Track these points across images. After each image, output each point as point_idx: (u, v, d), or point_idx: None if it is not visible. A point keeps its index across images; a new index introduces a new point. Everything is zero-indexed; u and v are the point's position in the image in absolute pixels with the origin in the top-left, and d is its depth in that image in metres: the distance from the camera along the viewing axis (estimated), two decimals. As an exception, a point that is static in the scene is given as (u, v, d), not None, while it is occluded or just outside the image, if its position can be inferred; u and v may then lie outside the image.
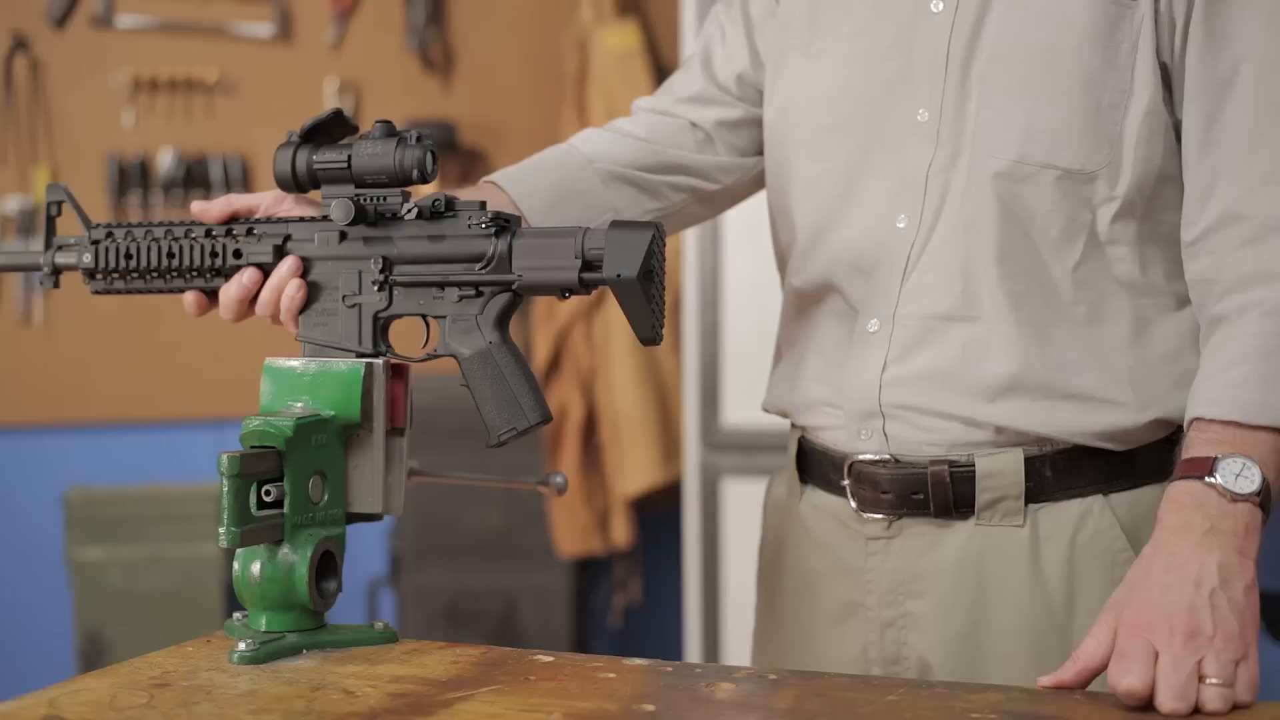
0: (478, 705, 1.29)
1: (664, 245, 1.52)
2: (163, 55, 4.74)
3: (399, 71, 4.85)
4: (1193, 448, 1.48)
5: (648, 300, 1.49)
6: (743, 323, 3.86)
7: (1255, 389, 1.47)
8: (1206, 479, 1.43)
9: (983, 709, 1.27)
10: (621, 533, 4.55)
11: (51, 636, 4.64)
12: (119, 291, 1.64)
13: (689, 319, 3.94)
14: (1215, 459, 1.43)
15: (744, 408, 3.88)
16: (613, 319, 4.48)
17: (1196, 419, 1.49)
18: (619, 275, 1.48)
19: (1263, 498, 1.43)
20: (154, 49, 4.74)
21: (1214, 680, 1.32)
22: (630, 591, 4.76)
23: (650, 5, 4.80)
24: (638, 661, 1.44)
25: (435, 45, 4.87)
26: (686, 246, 3.87)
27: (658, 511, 4.63)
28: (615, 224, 1.50)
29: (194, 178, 4.72)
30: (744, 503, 3.91)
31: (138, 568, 4.45)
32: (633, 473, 4.48)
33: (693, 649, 3.97)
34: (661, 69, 4.66)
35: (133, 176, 4.68)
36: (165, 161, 4.70)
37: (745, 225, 3.68)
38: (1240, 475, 1.42)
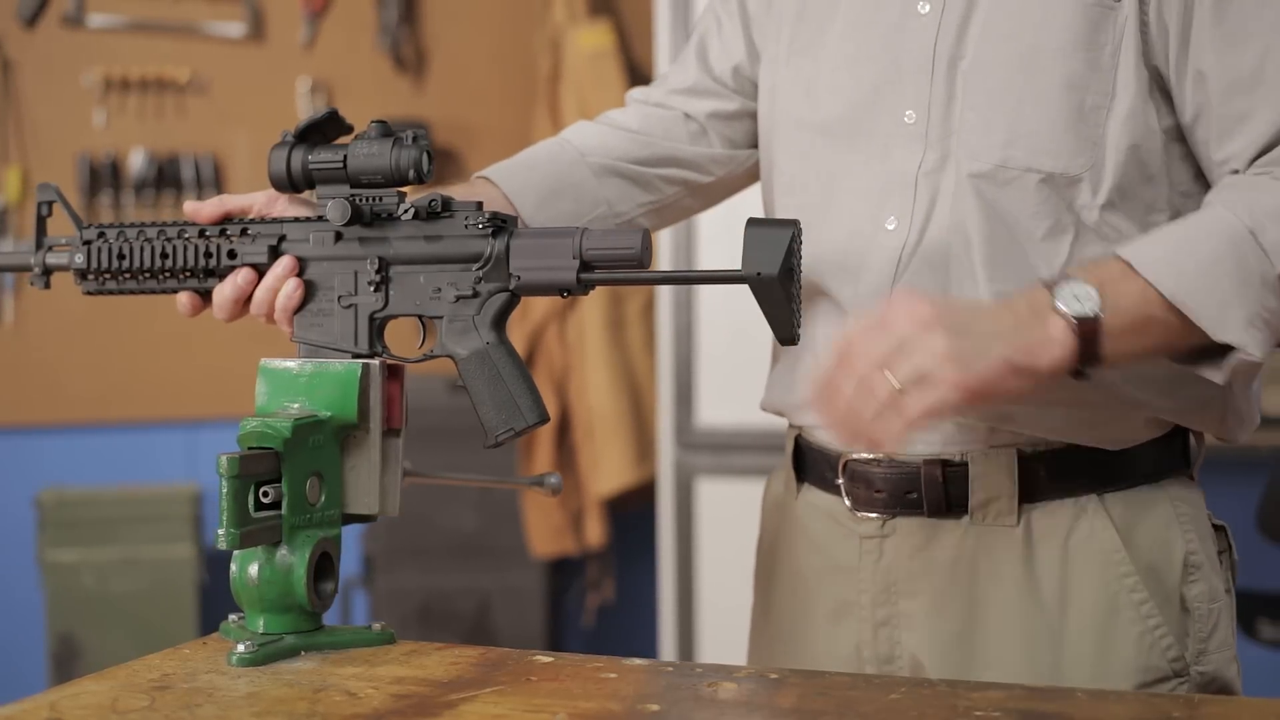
0: (482, 706, 1.29)
1: (801, 242, 1.49)
2: (134, 55, 4.72)
3: (371, 71, 4.85)
4: (1078, 268, 1.49)
5: (788, 299, 1.47)
6: (717, 323, 3.86)
7: (1167, 248, 1.48)
8: (1052, 288, 1.44)
9: (985, 707, 1.27)
10: (595, 533, 4.56)
11: (24, 638, 4.62)
12: (111, 292, 1.63)
13: (663, 319, 3.94)
14: (1071, 276, 1.45)
15: (718, 407, 3.89)
16: (586, 319, 4.47)
17: (1115, 254, 1.50)
18: (759, 274, 1.45)
19: (1083, 330, 1.43)
20: (125, 48, 4.72)
21: (894, 379, 1.39)
22: (603, 592, 4.76)
23: (623, 5, 4.80)
24: (638, 661, 1.44)
25: (407, 45, 4.86)
26: (661, 246, 3.87)
27: (631, 511, 4.64)
28: (753, 220, 1.48)
29: (165, 178, 4.70)
30: (719, 503, 3.91)
31: (110, 569, 4.43)
32: (607, 473, 4.48)
33: (667, 649, 3.97)
34: (634, 69, 4.66)
35: (104, 177, 4.66)
36: (137, 161, 4.68)
37: (720, 224, 3.66)
38: (1076, 298, 1.43)
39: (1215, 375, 1.49)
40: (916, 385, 1.40)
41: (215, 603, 4.50)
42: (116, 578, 4.43)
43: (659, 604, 4.03)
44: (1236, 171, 1.54)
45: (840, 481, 1.69)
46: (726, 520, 3.91)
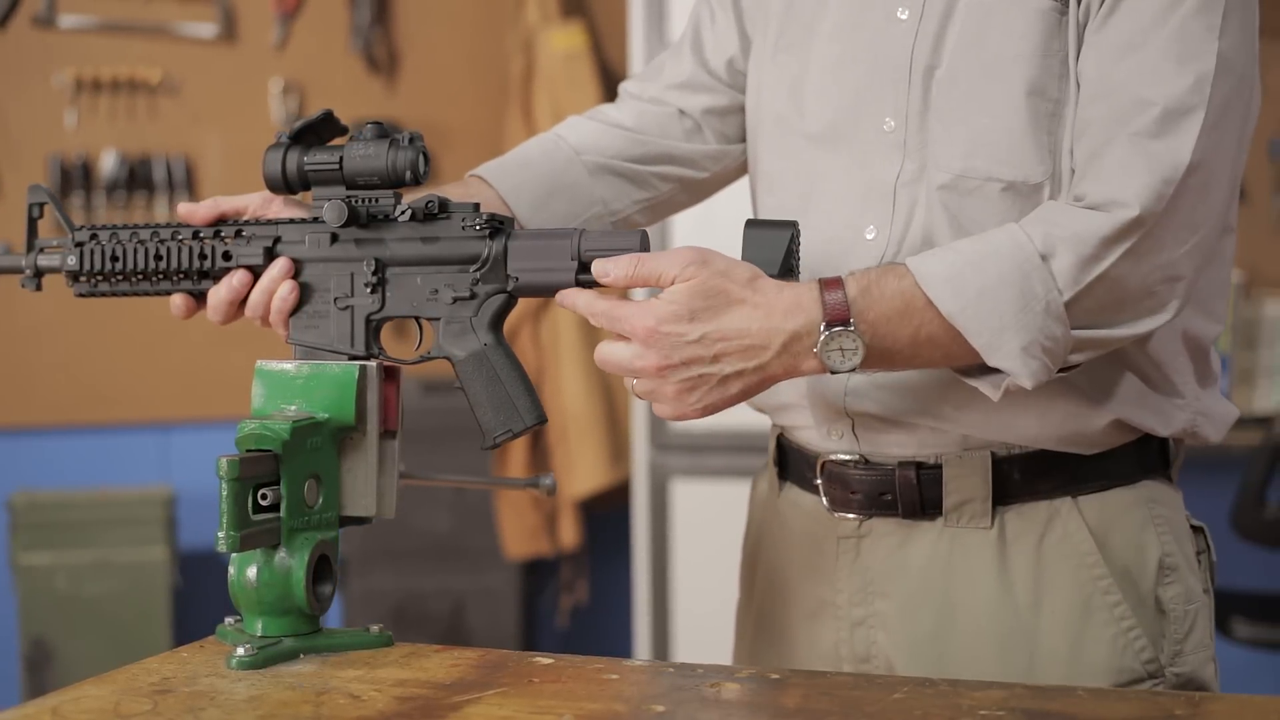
0: (486, 708, 1.29)
1: (800, 243, 1.50)
2: (106, 55, 4.69)
3: (343, 72, 4.83)
4: (861, 277, 1.48)
5: None
6: (692, 323, 3.85)
7: (952, 265, 1.48)
8: (823, 327, 1.45)
9: (989, 705, 1.28)
10: (569, 534, 4.55)
11: (-4, 643, 4.60)
12: (104, 294, 1.62)
13: (639, 319, 3.94)
14: (847, 323, 1.45)
15: (693, 408, 3.88)
16: (560, 320, 4.47)
17: (902, 262, 1.50)
18: None
19: (838, 372, 1.47)
20: (97, 49, 4.69)
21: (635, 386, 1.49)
22: (577, 593, 4.76)
23: (596, 6, 4.80)
24: (639, 662, 1.44)
25: (380, 46, 4.85)
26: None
27: (606, 512, 4.64)
28: (752, 221, 1.49)
29: (137, 179, 4.68)
30: (694, 504, 3.92)
31: (83, 572, 4.40)
32: (581, 474, 4.48)
33: (642, 650, 3.97)
34: (608, 70, 4.66)
35: (75, 178, 4.64)
36: (108, 163, 4.66)
37: (695, 223, 3.66)
38: (843, 352, 1.45)
39: (991, 393, 1.51)
40: (648, 399, 1.50)
41: (189, 606, 4.48)
42: (89, 581, 4.40)
43: (634, 605, 4.03)
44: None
45: (818, 482, 1.70)
46: (701, 521, 3.91)
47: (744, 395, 1.49)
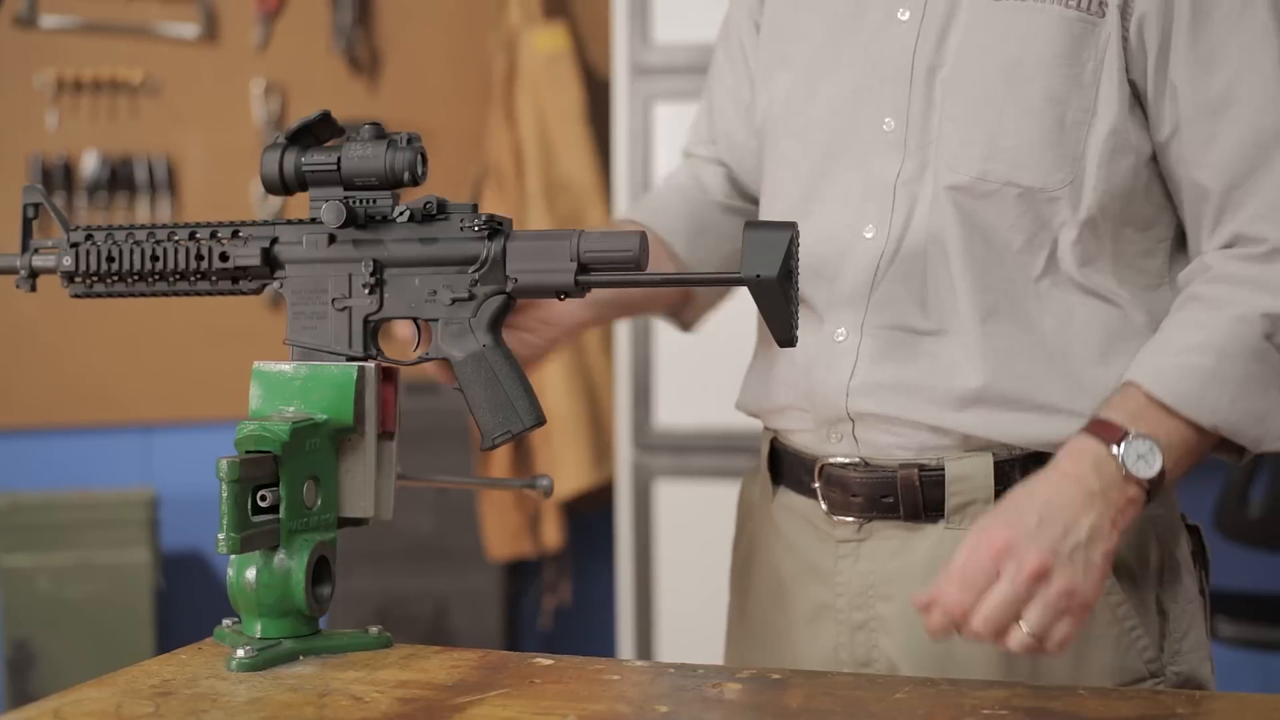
0: (490, 710, 1.29)
1: (799, 245, 1.49)
2: (87, 56, 4.67)
3: (325, 73, 4.82)
4: (1113, 408, 1.52)
5: (787, 301, 1.47)
6: (676, 324, 3.85)
7: (1198, 382, 1.52)
8: (1112, 448, 1.49)
9: (992, 705, 1.29)
10: (552, 535, 4.55)
11: (-22, 645, 4.57)
12: (99, 295, 1.62)
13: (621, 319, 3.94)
14: (1127, 432, 1.49)
15: (676, 409, 3.89)
16: (543, 321, 4.46)
17: (1132, 382, 1.54)
18: (758, 275, 1.45)
19: (1152, 484, 1.49)
20: (78, 49, 4.67)
21: (1026, 627, 1.41)
22: (560, 594, 4.75)
23: (579, 7, 4.80)
24: (639, 663, 1.44)
25: (362, 46, 4.84)
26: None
27: (589, 513, 4.63)
28: (751, 223, 1.48)
29: (119, 180, 4.65)
30: (677, 504, 3.91)
31: (66, 574, 4.38)
32: (564, 475, 4.47)
33: (625, 652, 3.97)
34: (590, 72, 4.66)
35: (56, 179, 4.61)
36: (89, 163, 4.64)
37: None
38: (1142, 458, 1.49)
39: (1235, 460, 1.59)
40: (1051, 628, 1.44)
41: (171, 607, 4.47)
42: (72, 583, 4.38)
43: (617, 606, 4.03)
44: (1209, 191, 1.58)
45: (816, 485, 1.69)
46: (685, 522, 3.91)
47: (1106, 559, 1.48)
